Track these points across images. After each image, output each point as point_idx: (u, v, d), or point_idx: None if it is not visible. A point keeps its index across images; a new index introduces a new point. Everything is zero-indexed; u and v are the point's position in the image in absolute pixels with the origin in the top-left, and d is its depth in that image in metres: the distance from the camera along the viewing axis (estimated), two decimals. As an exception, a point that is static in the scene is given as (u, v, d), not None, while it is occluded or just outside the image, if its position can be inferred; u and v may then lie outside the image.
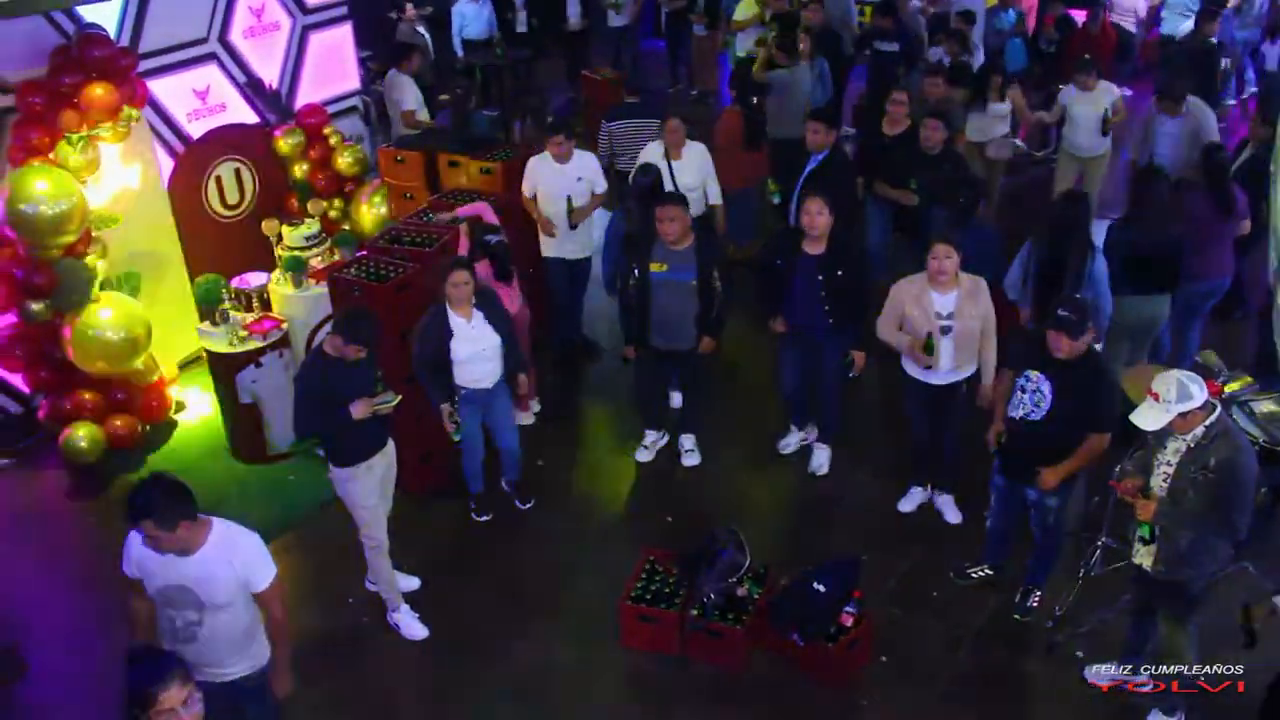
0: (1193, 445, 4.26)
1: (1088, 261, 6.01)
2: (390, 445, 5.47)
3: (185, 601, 3.91)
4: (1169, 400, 4.17)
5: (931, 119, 7.48)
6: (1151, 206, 6.43)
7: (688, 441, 6.85)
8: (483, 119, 8.69)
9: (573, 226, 7.45)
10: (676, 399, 7.04)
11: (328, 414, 5.07)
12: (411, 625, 5.62)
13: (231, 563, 3.92)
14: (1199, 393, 4.16)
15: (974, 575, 5.80)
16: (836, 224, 6.08)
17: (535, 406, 7.30)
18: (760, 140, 8.85)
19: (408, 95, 9.74)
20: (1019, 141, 10.61)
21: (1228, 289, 7.20)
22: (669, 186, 7.26)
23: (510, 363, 6.01)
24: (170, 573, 3.88)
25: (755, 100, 8.85)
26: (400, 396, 5.23)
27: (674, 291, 6.16)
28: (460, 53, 12.55)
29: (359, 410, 5.05)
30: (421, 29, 11.73)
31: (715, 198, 7.83)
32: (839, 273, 6.01)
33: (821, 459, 6.71)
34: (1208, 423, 4.23)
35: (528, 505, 6.47)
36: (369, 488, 5.33)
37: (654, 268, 6.15)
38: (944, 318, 5.60)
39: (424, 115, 9.78)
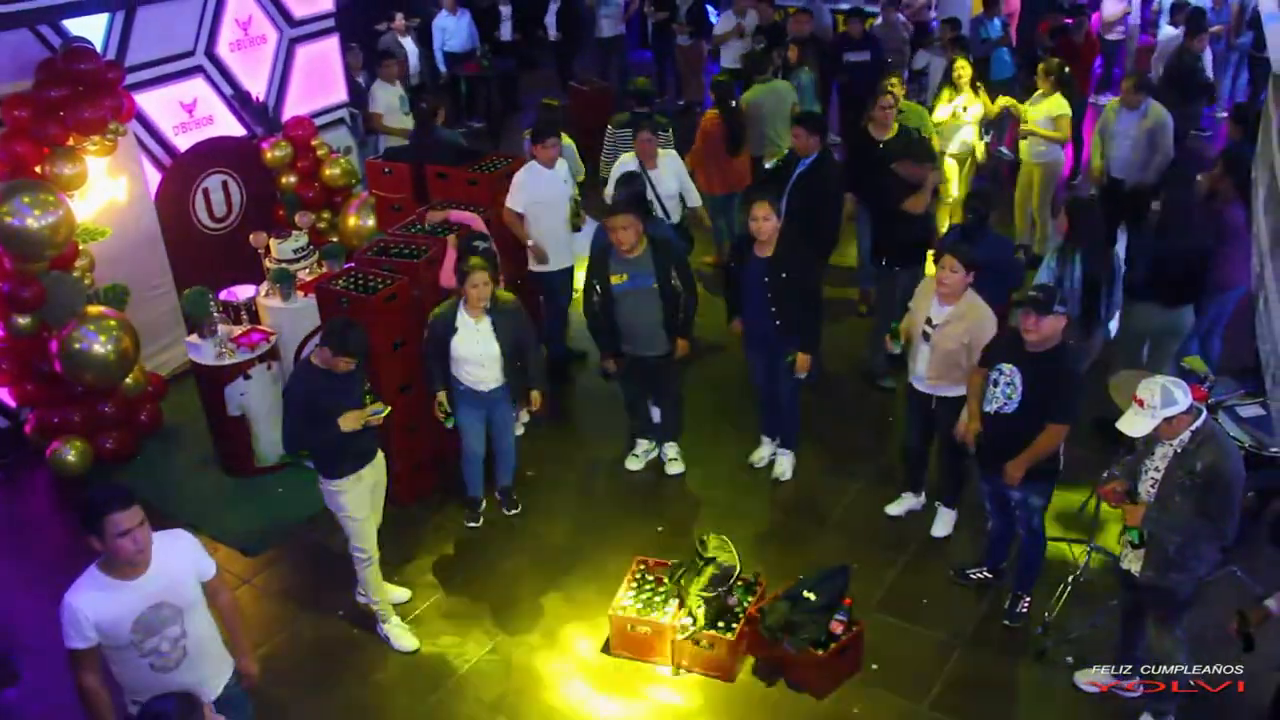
0: (1179, 450, 4.29)
1: (1115, 263, 6.15)
2: (380, 457, 5.46)
3: (165, 619, 3.82)
4: (1154, 406, 4.20)
5: (920, 162, 7.11)
6: (1183, 216, 6.47)
7: (670, 450, 6.87)
8: (441, 132, 8.67)
9: (577, 229, 7.45)
10: (658, 413, 7.04)
11: (317, 426, 5.05)
12: (402, 637, 5.60)
13: (183, 556, 3.92)
14: (1183, 398, 4.19)
15: (974, 577, 5.82)
16: (794, 227, 6.16)
17: (525, 417, 7.30)
18: (742, 146, 8.87)
19: (378, 99, 9.78)
20: (1005, 149, 10.66)
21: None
22: (649, 196, 7.28)
23: (520, 376, 6.05)
24: (137, 600, 3.76)
25: (735, 104, 8.87)
26: (390, 408, 5.22)
27: (637, 299, 6.20)
28: (443, 66, 12.57)
29: (349, 422, 5.04)
30: (407, 40, 11.74)
31: (694, 200, 7.89)
32: (783, 275, 6.05)
33: (784, 465, 6.72)
34: (1194, 427, 4.26)
35: (514, 512, 6.49)
36: (359, 499, 5.32)
37: (614, 279, 6.18)
38: (930, 325, 5.64)
39: (395, 122, 9.77)
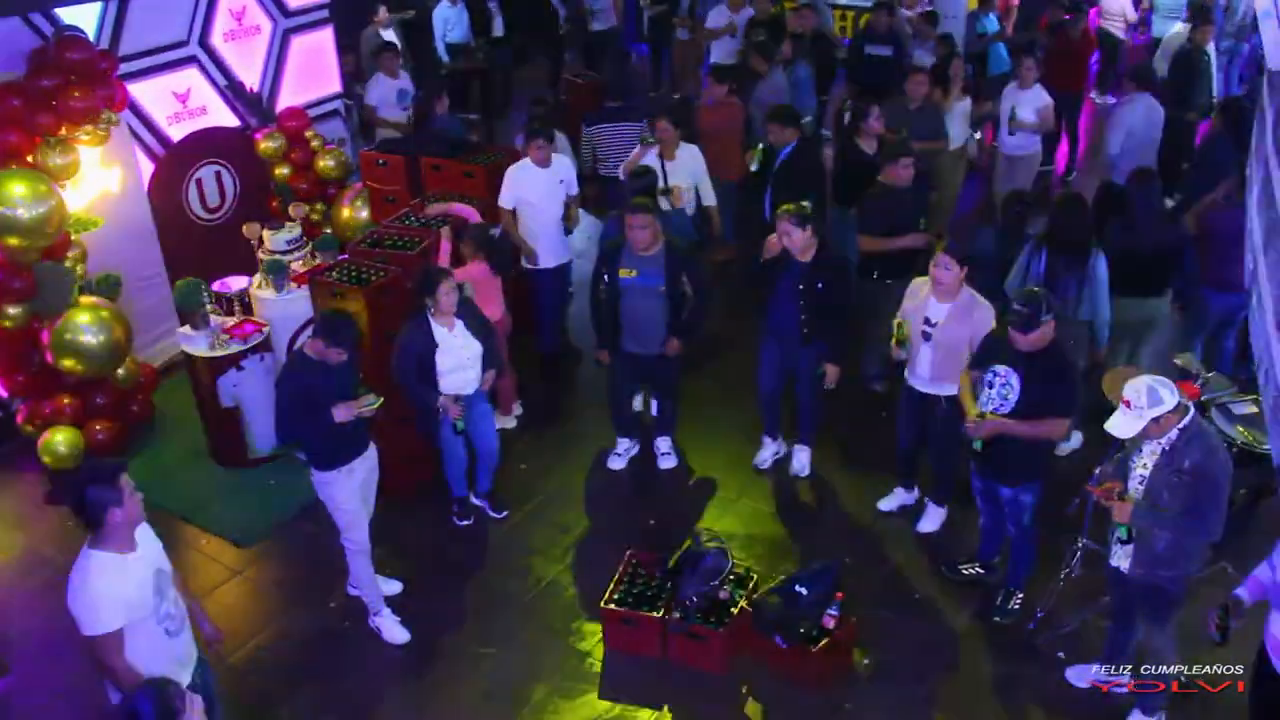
0: (1167, 448, 4.30)
1: (1089, 264, 6.06)
2: (372, 449, 5.46)
3: (165, 582, 3.99)
4: (1140, 406, 4.20)
5: (904, 158, 6.83)
6: (1145, 210, 6.46)
7: (663, 444, 6.87)
8: (446, 121, 8.63)
9: (569, 231, 7.43)
10: (655, 407, 7.03)
11: (310, 418, 5.05)
12: (393, 629, 5.60)
13: (145, 528, 4.04)
14: (1170, 397, 4.20)
15: (965, 572, 5.83)
16: (820, 228, 6.10)
17: (517, 410, 7.30)
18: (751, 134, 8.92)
19: (371, 92, 9.73)
20: (999, 144, 10.62)
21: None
22: (661, 186, 7.28)
23: (486, 365, 6.01)
24: (146, 567, 3.90)
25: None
26: (382, 399, 5.21)
27: (643, 296, 6.19)
28: (445, 58, 12.50)
29: (342, 414, 5.04)
30: (390, 34, 11.59)
31: (709, 199, 7.86)
32: (818, 285, 6.03)
33: (802, 460, 6.72)
34: (1181, 425, 4.26)
35: (501, 515, 6.46)
36: (350, 491, 5.32)
37: (623, 273, 6.18)
38: (929, 324, 5.62)
39: (388, 114, 9.72)
